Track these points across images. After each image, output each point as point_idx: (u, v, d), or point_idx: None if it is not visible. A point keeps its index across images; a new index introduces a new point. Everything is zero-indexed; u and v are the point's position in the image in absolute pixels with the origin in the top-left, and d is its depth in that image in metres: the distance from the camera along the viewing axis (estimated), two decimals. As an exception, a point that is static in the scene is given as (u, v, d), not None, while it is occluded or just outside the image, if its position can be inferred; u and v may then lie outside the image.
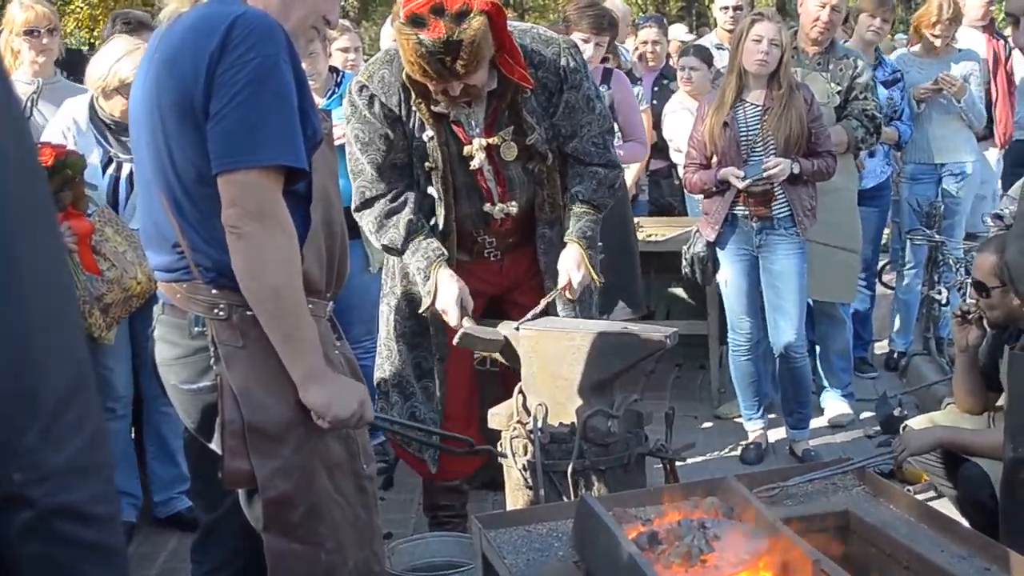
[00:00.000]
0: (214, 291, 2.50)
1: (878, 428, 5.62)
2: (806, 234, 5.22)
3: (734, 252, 5.32)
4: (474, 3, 3.49)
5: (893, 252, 7.70)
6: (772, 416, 5.69)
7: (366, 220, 3.95)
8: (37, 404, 1.30)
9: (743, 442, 5.58)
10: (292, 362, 2.46)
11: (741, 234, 5.29)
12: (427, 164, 3.87)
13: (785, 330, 5.31)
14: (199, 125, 2.41)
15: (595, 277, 3.96)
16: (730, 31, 7.41)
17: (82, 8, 17.12)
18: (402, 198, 3.91)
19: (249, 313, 2.47)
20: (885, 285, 7.71)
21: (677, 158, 6.65)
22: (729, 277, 5.38)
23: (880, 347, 7.12)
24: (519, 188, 3.96)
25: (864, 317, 6.74)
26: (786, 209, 5.17)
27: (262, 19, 2.45)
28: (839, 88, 5.75)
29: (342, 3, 17.74)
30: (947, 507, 3.95)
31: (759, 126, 5.14)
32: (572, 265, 3.88)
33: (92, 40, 18.25)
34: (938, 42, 6.58)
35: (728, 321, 5.56)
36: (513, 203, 3.95)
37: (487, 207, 3.95)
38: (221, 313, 2.50)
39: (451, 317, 3.79)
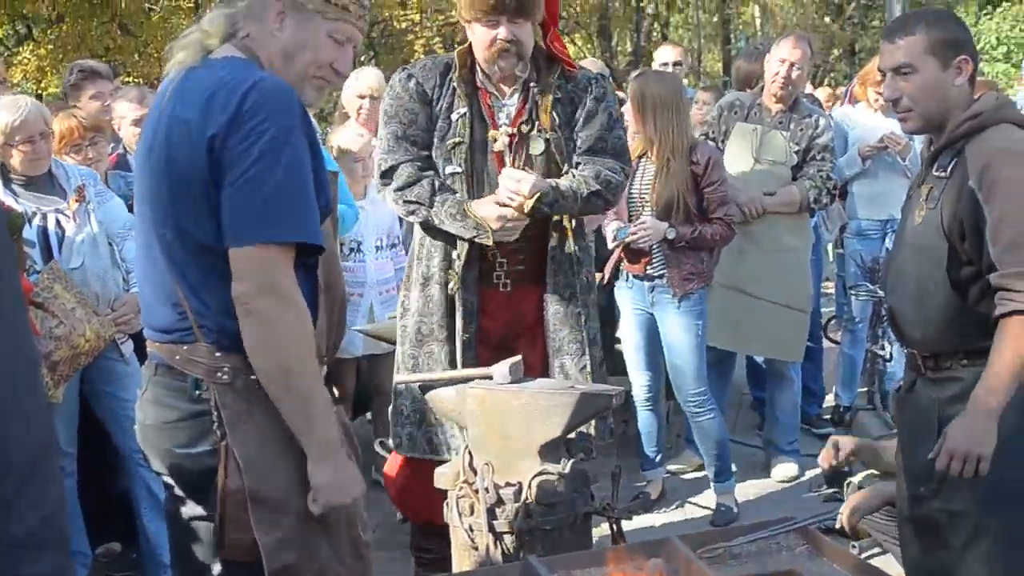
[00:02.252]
0: (218, 354, 2.44)
1: (823, 484, 5.65)
2: (677, 297, 5.21)
3: (629, 308, 5.42)
4: None
5: (838, 307, 7.77)
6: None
7: (390, 187, 4.01)
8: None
9: (650, 491, 5.62)
10: (304, 436, 2.42)
11: (636, 290, 5.36)
12: (453, 140, 3.97)
13: (678, 386, 5.40)
14: (208, 194, 2.37)
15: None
16: None
17: (30, 60, 17.03)
18: (426, 170, 4.00)
19: (253, 378, 2.42)
20: (830, 339, 7.78)
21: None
22: (625, 331, 5.49)
23: (825, 401, 7.17)
24: None
25: (813, 372, 6.78)
26: (666, 272, 5.23)
27: (276, 88, 2.41)
28: (798, 148, 5.81)
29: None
30: (891, 564, 3.98)
31: (650, 185, 5.21)
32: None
33: (40, 91, 18.13)
34: (883, 99, 6.66)
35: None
36: None
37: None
38: (225, 377, 2.44)
39: (506, 212, 3.86)
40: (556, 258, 4.07)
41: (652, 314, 5.36)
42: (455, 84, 3.99)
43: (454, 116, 3.98)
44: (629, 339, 5.48)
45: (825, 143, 5.84)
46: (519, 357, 3.74)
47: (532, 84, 4.00)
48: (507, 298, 4.10)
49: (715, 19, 31.90)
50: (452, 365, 4.02)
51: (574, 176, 3.99)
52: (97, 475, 4.64)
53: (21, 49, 18.46)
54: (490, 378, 3.67)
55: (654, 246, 5.18)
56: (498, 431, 3.54)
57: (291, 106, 2.41)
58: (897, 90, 3.09)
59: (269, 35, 2.56)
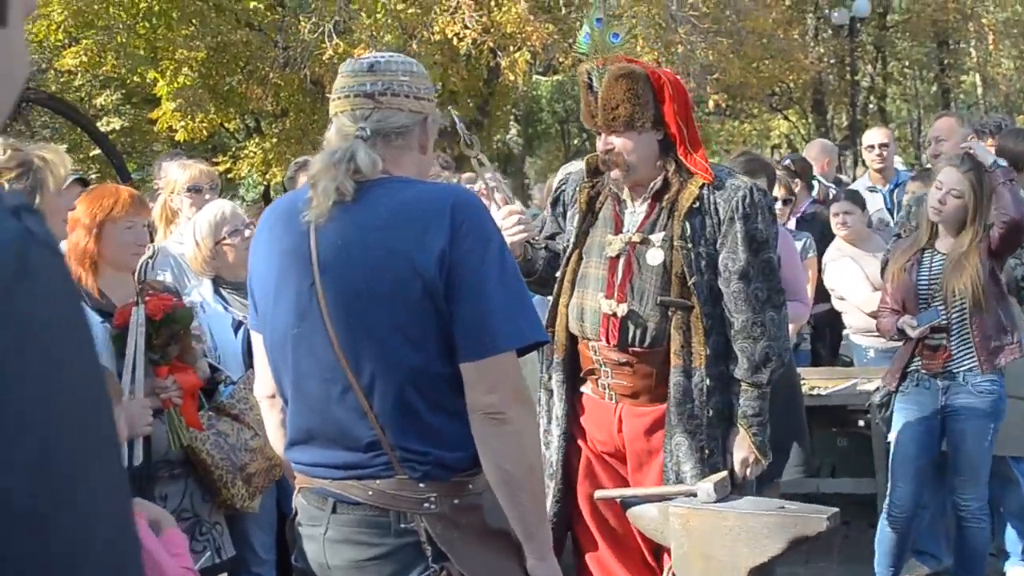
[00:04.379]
0: (421, 485, 2.43)
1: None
2: (985, 374, 4.85)
3: (914, 413, 5.00)
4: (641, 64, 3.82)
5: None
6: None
7: None
8: None
9: None
10: (534, 533, 2.47)
11: (925, 394, 4.97)
12: (564, 246, 3.94)
13: (956, 489, 5.04)
14: (439, 316, 2.36)
15: (759, 457, 3.72)
16: (878, 171, 7.26)
17: (256, 153, 17.76)
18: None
19: (456, 501, 2.44)
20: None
21: (839, 306, 6.43)
22: (900, 440, 5.06)
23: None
24: (645, 317, 3.71)
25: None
26: (967, 362, 4.87)
27: (472, 196, 2.49)
28: None
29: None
30: None
31: (940, 276, 4.90)
32: (736, 452, 3.74)
33: (266, 182, 18.92)
34: None
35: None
36: (624, 305, 3.71)
37: (600, 296, 3.76)
38: (432, 507, 2.44)
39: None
40: (680, 384, 3.68)
41: (937, 423, 4.98)
42: (577, 190, 3.95)
43: (572, 223, 3.93)
44: (902, 450, 5.05)
45: None
46: (724, 473, 3.55)
47: (665, 194, 3.75)
48: (614, 411, 3.82)
49: (934, 89, 31.01)
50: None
51: (740, 395, 3.72)
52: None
53: (249, 142, 19.28)
54: (694, 495, 3.49)
55: (952, 337, 4.86)
56: (702, 552, 3.37)
57: (487, 211, 2.48)
58: None
59: (421, 160, 2.58)
